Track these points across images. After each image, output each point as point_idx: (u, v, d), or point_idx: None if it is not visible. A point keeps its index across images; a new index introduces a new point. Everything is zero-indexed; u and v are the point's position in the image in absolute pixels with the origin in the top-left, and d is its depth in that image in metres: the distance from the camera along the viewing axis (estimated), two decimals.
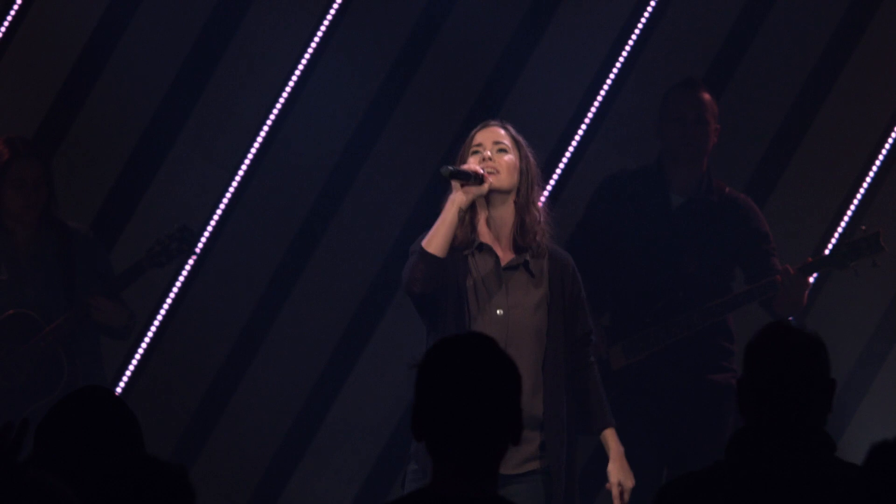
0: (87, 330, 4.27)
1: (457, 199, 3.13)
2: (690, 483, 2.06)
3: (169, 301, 5.22)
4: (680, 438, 3.87)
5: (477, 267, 3.21)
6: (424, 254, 3.12)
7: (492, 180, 3.14)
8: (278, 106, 6.80)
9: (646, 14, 5.39)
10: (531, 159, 3.26)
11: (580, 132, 5.38)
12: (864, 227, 3.85)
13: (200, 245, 4.98)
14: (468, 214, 3.20)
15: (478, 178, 3.13)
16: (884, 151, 5.24)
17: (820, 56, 5.92)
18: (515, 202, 3.22)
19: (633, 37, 5.43)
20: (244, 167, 5.86)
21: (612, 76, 5.37)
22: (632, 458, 3.64)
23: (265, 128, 6.73)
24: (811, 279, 3.94)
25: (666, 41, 5.41)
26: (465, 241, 3.22)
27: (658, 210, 3.99)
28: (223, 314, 6.65)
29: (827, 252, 4.32)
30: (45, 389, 3.97)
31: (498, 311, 3.17)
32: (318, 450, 4.80)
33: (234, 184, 5.80)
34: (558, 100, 5.61)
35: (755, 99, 5.68)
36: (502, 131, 3.25)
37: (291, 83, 6.85)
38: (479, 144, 3.22)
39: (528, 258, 3.21)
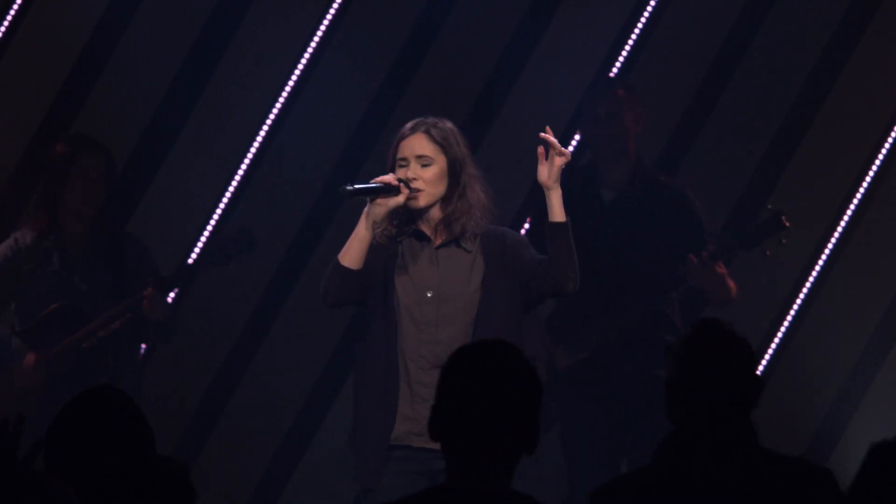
0: (132, 326, 4.27)
1: (370, 212, 3.11)
2: (620, 487, 2.04)
3: (169, 300, 5.21)
4: (634, 432, 3.84)
5: (411, 252, 3.19)
6: (338, 266, 3.10)
7: (415, 203, 3.11)
8: (278, 105, 6.80)
9: (645, 14, 5.40)
10: (461, 150, 3.19)
11: (580, 132, 5.38)
12: (769, 206, 3.80)
13: (201, 244, 4.97)
14: (401, 208, 3.15)
15: (390, 189, 3.09)
16: (883, 151, 5.23)
17: (820, 56, 5.92)
18: (442, 199, 3.19)
19: (633, 37, 5.44)
20: (244, 167, 5.86)
21: (612, 75, 5.37)
22: (589, 453, 3.62)
23: (265, 128, 6.73)
24: (720, 267, 3.84)
25: (666, 41, 5.41)
26: (398, 231, 3.19)
27: (591, 207, 3.94)
28: (223, 313, 6.64)
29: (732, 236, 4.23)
30: (88, 382, 3.96)
31: (428, 294, 3.15)
32: (319, 449, 4.80)
33: (234, 184, 5.80)
34: (558, 99, 5.61)
35: (755, 99, 5.68)
36: (424, 139, 3.18)
37: (291, 83, 6.85)
38: (403, 159, 3.16)
39: (458, 238, 3.18)
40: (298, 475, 4.76)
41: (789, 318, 4.69)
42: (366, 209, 3.12)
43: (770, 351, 4.81)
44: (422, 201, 3.15)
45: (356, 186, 3.10)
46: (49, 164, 4.65)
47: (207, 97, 6.79)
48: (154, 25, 6.05)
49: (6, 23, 5.89)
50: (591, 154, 4.17)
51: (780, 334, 4.80)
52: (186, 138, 6.89)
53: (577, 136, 5.38)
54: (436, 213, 3.20)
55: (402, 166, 3.18)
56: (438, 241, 3.20)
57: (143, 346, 5.11)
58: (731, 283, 3.75)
